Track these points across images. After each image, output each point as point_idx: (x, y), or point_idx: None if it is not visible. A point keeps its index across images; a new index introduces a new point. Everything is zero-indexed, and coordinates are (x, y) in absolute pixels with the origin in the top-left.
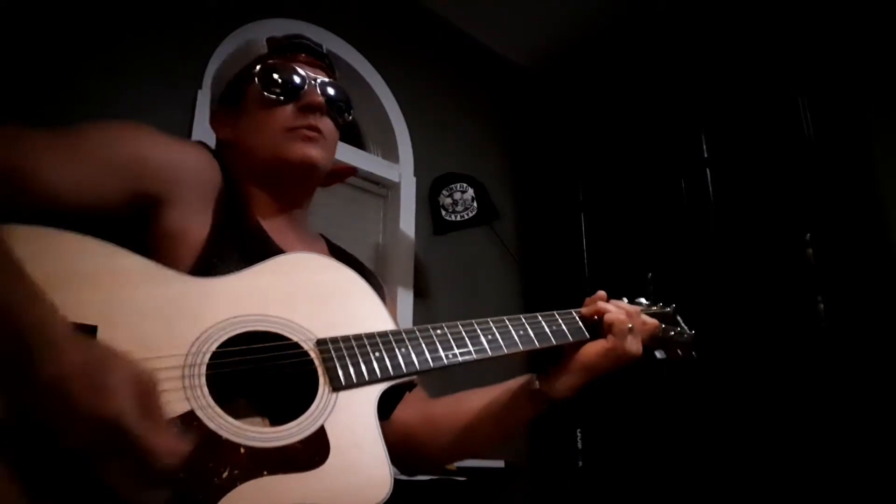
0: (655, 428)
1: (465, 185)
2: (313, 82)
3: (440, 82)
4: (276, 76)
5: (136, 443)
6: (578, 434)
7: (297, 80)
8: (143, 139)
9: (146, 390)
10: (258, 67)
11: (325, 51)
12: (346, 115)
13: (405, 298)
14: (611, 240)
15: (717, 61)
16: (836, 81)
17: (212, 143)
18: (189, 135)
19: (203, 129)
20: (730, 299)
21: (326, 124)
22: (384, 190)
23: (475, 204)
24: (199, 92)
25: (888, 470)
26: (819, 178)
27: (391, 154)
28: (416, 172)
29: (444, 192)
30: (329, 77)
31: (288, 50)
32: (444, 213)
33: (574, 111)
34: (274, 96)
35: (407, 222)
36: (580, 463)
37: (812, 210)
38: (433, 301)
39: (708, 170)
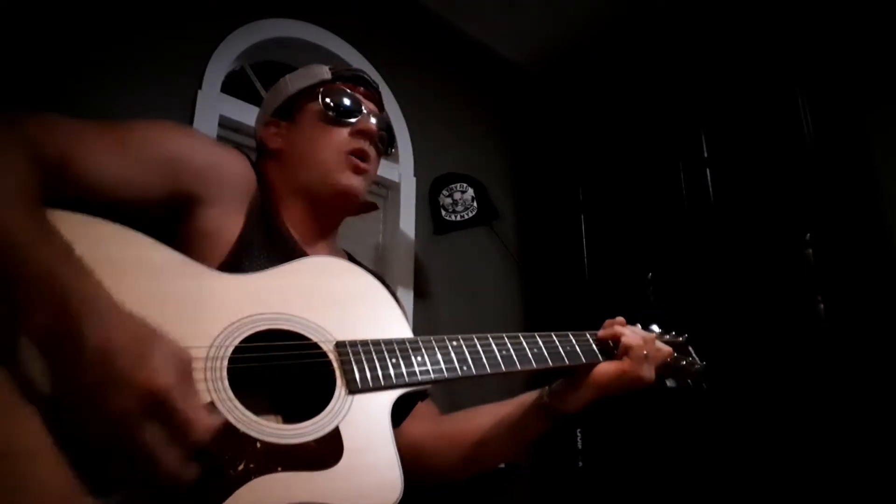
0: (655, 428)
1: (465, 185)
2: (368, 112)
3: (440, 82)
4: (338, 98)
5: (176, 414)
6: (578, 434)
7: (356, 106)
8: (186, 140)
9: (185, 369)
10: (323, 88)
11: (379, 89)
12: (389, 148)
13: (405, 298)
14: (611, 240)
15: (717, 60)
16: (835, 80)
17: None
18: None
19: (203, 130)
20: (730, 299)
21: (373, 152)
22: (384, 190)
23: (475, 204)
24: (199, 92)
25: (888, 470)
26: (819, 178)
27: (391, 154)
28: (416, 172)
29: (444, 192)
30: (379, 112)
31: (350, 80)
32: (444, 213)
33: (574, 111)
34: (333, 114)
35: (407, 222)
36: (580, 463)
37: (812, 210)
38: (433, 301)
39: (708, 170)
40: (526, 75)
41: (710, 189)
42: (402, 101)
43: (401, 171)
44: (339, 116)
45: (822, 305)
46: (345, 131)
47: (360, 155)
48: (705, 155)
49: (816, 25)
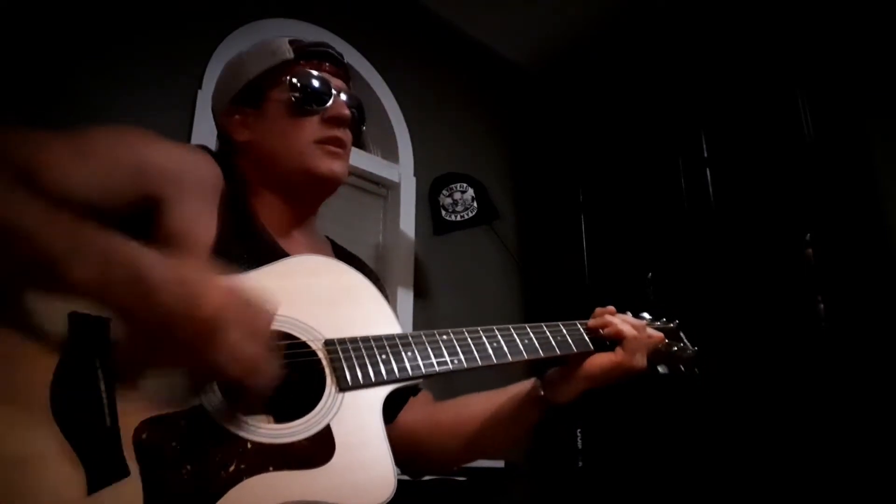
0: (655, 428)
1: (465, 185)
2: (340, 95)
3: (440, 82)
4: (306, 83)
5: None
6: (578, 434)
7: (324, 89)
8: (149, 143)
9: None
10: (289, 74)
11: (345, 61)
12: (362, 126)
13: (405, 298)
14: (611, 240)
15: (717, 61)
16: (836, 81)
17: (211, 143)
18: (189, 135)
19: (203, 130)
20: (730, 299)
21: (348, 136)
22: (384, 190)
23: (475, 204)
24: (199, 92)
25: (888, 470)
26: (819, 178)
27: (391, 154)
28: (416, 172)
29: (444, 192)
30: (348, 87)
31: (314, 57)
32: (444, 213)
33: (574, 111)
34: (302, 104)
35: (407, 222)
36: (580, 463)
37: (812, 210)
38: (433, 301)
39: (708, 170)
40: (526, 75)
41: (710, 189)
42: (402, 102)
43: (401, 171)
44: (308, 105)
45: (822, 305)
46: (316, 119)
47: (335, 143)
48: (705, 155)
49: (816, 26)
